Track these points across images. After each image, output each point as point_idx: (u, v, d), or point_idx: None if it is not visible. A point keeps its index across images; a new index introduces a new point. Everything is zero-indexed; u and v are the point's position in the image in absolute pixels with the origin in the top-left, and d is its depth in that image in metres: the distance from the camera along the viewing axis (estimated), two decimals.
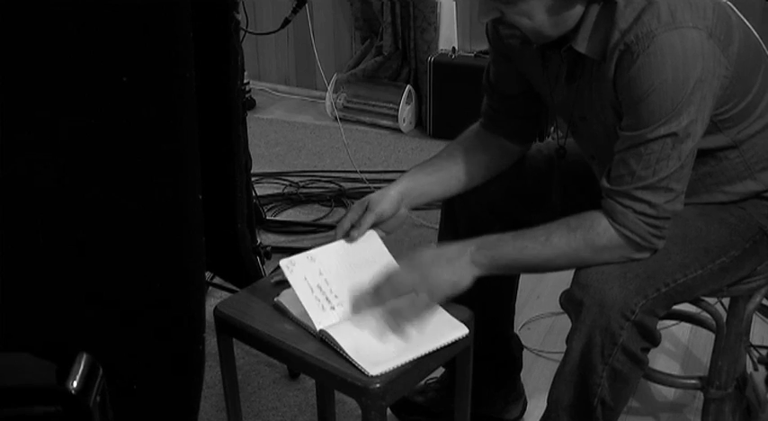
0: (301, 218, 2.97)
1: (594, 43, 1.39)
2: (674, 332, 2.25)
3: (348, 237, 1.51)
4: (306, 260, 1.46)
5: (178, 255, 1.35)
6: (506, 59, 1.60)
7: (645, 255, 1.41)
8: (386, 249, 1.52)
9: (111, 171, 1.26)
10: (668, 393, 2.04)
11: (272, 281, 1.55)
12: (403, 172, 1.66)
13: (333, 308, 1.42)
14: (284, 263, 1.44)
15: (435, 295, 1.40)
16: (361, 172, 3.17)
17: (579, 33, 1.39)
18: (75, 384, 1.03)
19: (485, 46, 1.69)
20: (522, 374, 1.97)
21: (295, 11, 2.51)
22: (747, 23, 1.46)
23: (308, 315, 1.41)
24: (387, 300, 1.40)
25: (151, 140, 1.27)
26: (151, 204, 1.30)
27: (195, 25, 1.26)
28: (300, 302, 1.42)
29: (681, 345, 2.23)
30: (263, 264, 2.28)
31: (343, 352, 1.34)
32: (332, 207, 3.02)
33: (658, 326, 1.45)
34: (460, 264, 1.42)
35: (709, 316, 1.69)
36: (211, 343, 1.56)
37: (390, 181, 1.67)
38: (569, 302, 1.43)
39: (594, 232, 1.40)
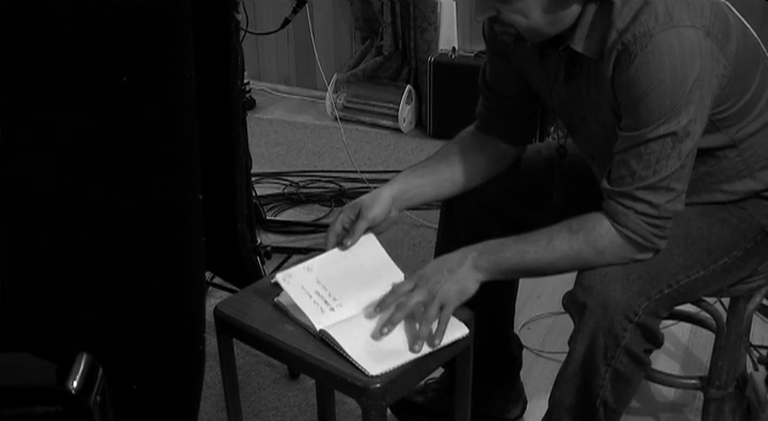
0: (301, 218, 2.97)
1: (592, 43, 1.39)
2: (674, 332, 2.25)
3: (341, 245, 1.50)
4: (303, 271, 1.45)
5: (178, 255, 1.35)
6: (504, 58, 1.60)
7: (648, 255, 1.41)
8: (385, 253, 1.52)
9: (111, 171, 1.26)
10: (668, 393, 2.04)
11: (272, 281, 1.55)
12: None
13: (332, 309, 1.42)
14: (281, 276, 1.43)
15: (446, 308, 1.39)
16: (361, 172, 3.17)
17: (576, 32, 1.39)
18: (75, 384, 1.03)
19: (485, 46, 1.68)
20: (522, 374, 1.97)
21: (295, 11, 2.51)
22: (745, 23, 1.46)
23: (307, 318, 1.40)
24: (399, 320, 1.38)
25: (151, 140, 1.27)
26: (151, 204, 1.30)
27: (195, 25, 1.26)
28: (300, 308, 1.42)
29: (681, 345, 2.23)
30: (263, 264, 2.28)
31: (343, 352, 1.34)
32: (332, 207, 3.02)
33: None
34: (463, 271, 1.42)
35: (709, 316, 1.69)
36: (211, 343, 1.56)
37: None
38: (572, 304, 1.43)
39: (596, 234, 1.40)
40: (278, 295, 1.49)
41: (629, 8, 1.34)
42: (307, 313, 1.40)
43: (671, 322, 2.20)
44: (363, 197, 1.55)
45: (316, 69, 3.73)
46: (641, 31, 1.32)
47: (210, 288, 2.31)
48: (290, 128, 3.78)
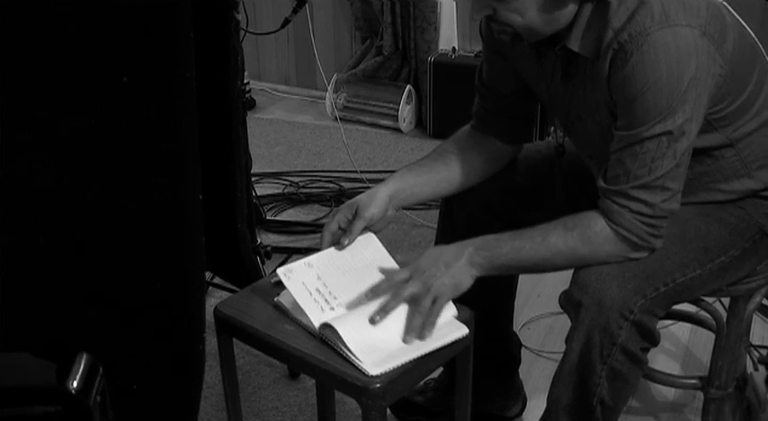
0: (301, 218, 2.97)
1: (588, 42, 1.39)
2: (674, 332, 2.25)
3: (338, 244, 1.50)
4: (303, 266, 1.46)
5: (178, 255, 1.35)
6: (501, 57, 1.60)
7: (642, 254, 1.42)
8: (385, 250, 1.52)
9: (111, 171, 1.26)
10: (668, 393, 2.04)
11: (272, 281, 1.55)
12: None
13: (332, 309, 1.42)
14: (281, 271, 1.43)
15: (439, 300, 1.40)
16: (361, 172, 3.17)
17: (572, 32, 1.39)
18: (75, 384, 1.03)
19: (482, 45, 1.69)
20: (522, 374, 1.97)
21: (295, 11, 2.51)
22: (742, 22, 1.46)
23: (307, 317, 1.40)
24: (393, 308, 1.39)
25: (151, 140, 1.27)
26: (151, 204, 1.30)
27: (195, 25, 1.26)
28: (300, 306, 1.42)
29: (681, 345, 2.23)
30: (263, 264, 2.28)
31: (344, 346, 1.33)
32: (332, 207, 3.02)
33: (658, 326, 1.45)
34: (459, 266, 1.42)
35: (709, 316, 1.69)
36: (211, 343, 1.56)
37: None
38: (568, 302, 1.43)
39: (591, 232, 1.40)
40: (278, 295, 1.49)
41: (625, 7, 1.34)
42: (307, 312, 1.40)
43: (671, 322, 2.20)
44: (360, 196, 1.55)
45: (316, 69, 3.73)
46: (637, 31, 1.32)
47: (210, 288, 2.31)
48: (290, 128, 3.78)
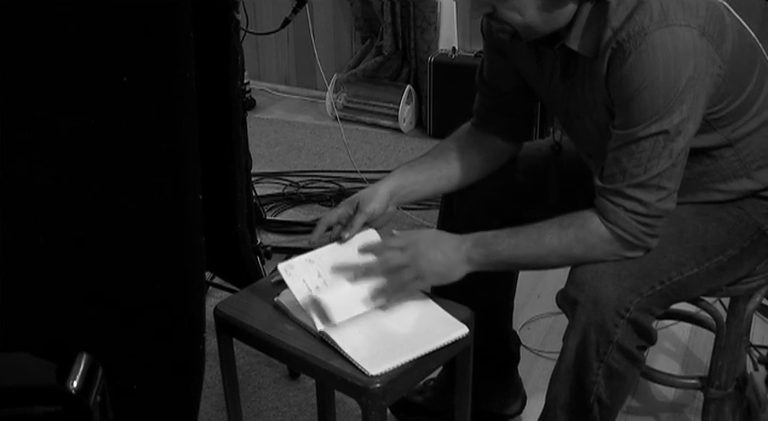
0: (301, 218, 2.97)
1: (587, 41, 1.39)
2: (674, 332, 2.25)
3: (339, 239, 1.51)
4: (304, 262, 1.46)
5: (178, 255, 1.35)
6: (501, 55, 1.61)
7: (637, 253, 1.42)
8: None
9: (112, 171, 1.26)
10: (668, 393, 2.04)
11: (272, 281, 1.55)
12: None
13: (338, 308, 1.42)
14: (282, 266, 1.44)
15: (420, 282, 1.43)
16: (361, 172, 3.17)
17: (572, 31, 1.40)
18: (75, 384, 1.03)
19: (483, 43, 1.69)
20: (522, 374, 1.97)
21: (295, 11, 2.51)
22: (742, 22, 1.46)
23: (307, 315, 1.41)
24: (375, 273, 1.43)
25: (151, 140, 1.27)
26: (151, 204, 1.30)
27: (195, 25, 1.26)
28: (300, 304, 1.42)
29: (681, 345, 2.23)
30: (263, 264, 2.28)
31: (344, 352, 1.34)
32: (332, 207, 3.01)
33: (659, 326, 1.46)
34: (455, 259, 1.43)
35: (709, 316, 1.69)
36: (211, 343, 1.56)
37: None
38: (564, 301, 1.44)
39: (586, 230, 1.41)
40: (278, 295, 1.49)
41: (624, 7, 1.34)
42: (309, 313, 1.40)
43: (671, 322, 2.20)
44: (361, 192, 1.56)
45: (316, 69, 3.73)
46: (636, 30, 1.32)
47: (210, 288, 2.31)
48: (290, 128, 3.78)
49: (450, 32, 3.63)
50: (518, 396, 1.95)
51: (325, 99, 3.86)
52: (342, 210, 1.53)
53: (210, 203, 1.47)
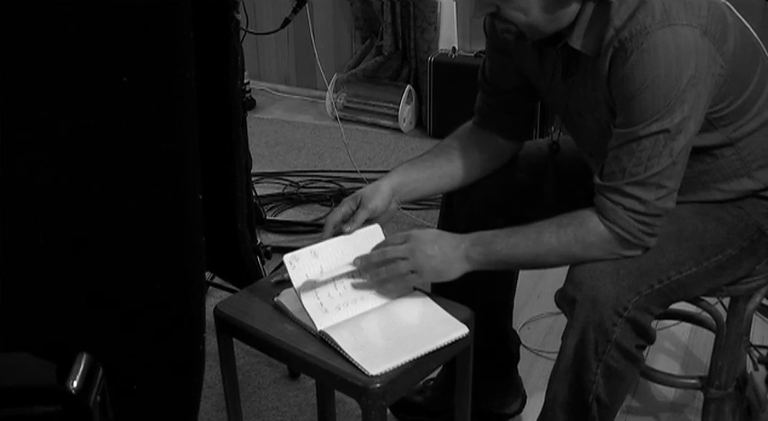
0: (301, 218, 2.97)
1: (589, 40, 1.40)
2: (675, 332, 2.25)
3: (342, 234, 1.51)
4: (309, 255, 1.46)
5: (178, 255, 1.35)
6: (504, 54, 1.61)
7: (635, 252, 1.42)
8: None
9: (112, 171, 1.26)
10: (668, 393, 2.04)
11: (272, 281, 1.55)
12: None
13: (338, 308, 1.42)
14: (288, 257, 1.44)
15: (416, 278, 1.43)
16: (361, 172, 3.17)
17: (575, 30, 1.40)
18: (75, 384, 1.03)
19: (484, 46, 1.69)
20: (522, 374, 1.97)
21: (295, 11, 2.51)
22: (744, 22, 1.46)
23: (307, 315, 1.41)
24: (373, 264, 1.44)
25: (151, 140, 1.27)
26: (151, 204, 1.30)
27: (195, 25, 1.26)
28: (301, 302, 1.42)
29: (681, 345, 2.23)
30: (263, 263, 2.28)
31: (344, 352, 1.34)
32: (332, 207, 3.02)
33: (659, 326, 1.46)
34: (453, 256, 1.44)
35: (709, 316, 1.69)
36: (211, 343, 1.56)
37: None
38: (563, 300, 1.44)
39: (585, 229, 1.41)
40: (278, 295, 1.49)
41: (626, 6, 1.35)
42: (308, 311, 1.40)
43: (671, 322, 2.20)
44: (364, 189, 1.56)
45: (316, 69, 3.73)
46: (638, 29, 1.32)
47: (210, 288, 2.31)
48: (290, 128, 3.78)
49: (450, 32, 3.63)
50: (518, 395, 1.95)
51: (325, 99, 3.86)
52: (345, 207, 1.53)
53: (210, 203, 1.47)
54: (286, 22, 2.57)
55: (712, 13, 1.36)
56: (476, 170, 1.66)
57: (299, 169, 3.33)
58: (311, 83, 4.10)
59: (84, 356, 1.08)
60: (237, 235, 1.96)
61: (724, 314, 1.67)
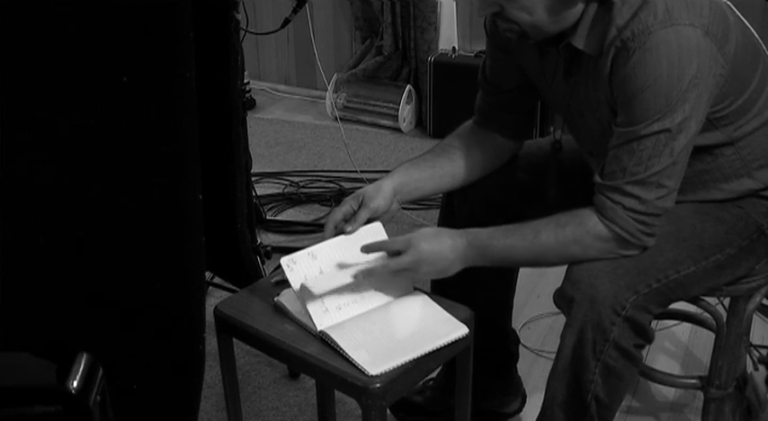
0: (301, 218, 2.97)
1: (592, 40, 1.40)
2: (675, 332, 2.25)
3: (343, 233, 1.51)
4: (307, 257, 1.46)
5: (178, 255, 1.35)
6: (505, 53, 1.61)
7: (634, 251, 1.42)
8: None
9: (112, 171, 1.26)
10: (668, 393, 2.04)
11: (272, 281, 1.55)
12: None
13: (339, 308, 1.42)
14: (285, 260, 1.44)
15: (414, 272, 1.44)
16: (362, 172, 3.17)
17: (578, 30, 1.40)
18: (75, 384, 1.03)
19: (485, 45, 1.69)
20: (522, 373, 1.97)
21: (295, 11, 2.51)
22: (745, 22, 1.46)
23: (307, 315, 1.41)
24: (376, 274, 1.44)
25: (151, 140, 1.27)
26: (151, 204, 1.30)
27: (195, 25, 1.26)
28: (300, 302, 1.42)
29: (681, 345, 2.23)
30: (263, 263, 2.28)
31: (344, 352, 1.34)
32: (332, 207, 3.02)
33: (659, 326, 1.46)
34: (451, 257, 1.45)
35: (709, 316, 1.69)
36: (211, 343, 1.56)
37: None
38: (561, 299, 1.44)
39: (583, 229, 1.41)
40: (278, 295, 1.49)
41: (629, 6, 1.35)
42: (310, 311, 1.40)
43: (671, 322, 2.20)
44: (366, 188, 1.56)
45: (316, 69, 3.73)
46: (640, 29, 1.33)
47: (210, 288, 2.31)
48: (290, 128, 3.78)
49: (450, 32, 3.63)
50: (518, 394, 1.95)
51: (325, 99, 3.86)
52: (346, 206, 1.53)
53: (210, 203, 1.47)
54: (286, 22, 2.57)
55: (714, 13, 1.36)
56: (477, 169, 1.67)
57: (299, 169, 3.33)
58: (311, 83, 4.10)
59: (84, 356, 1.08)
60: (237, 235, 1.96)
61: (724, 314, 1.67)
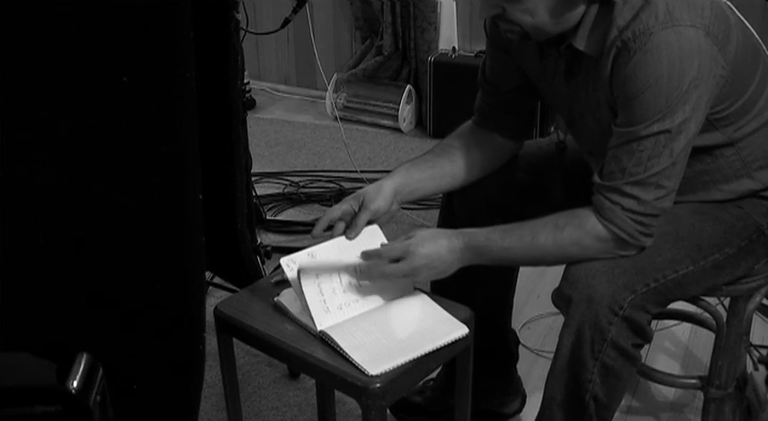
0: (301, 217, 2.97)
1: (593, 41, 1.40)
2: (675, 332, 2.25)
3: (344, 236, 1.51)
4: (307, 257, 1.46)
5: (178, 255, 1.35)
6: (505, 53, 1.61)
7: (631, 252, 1.42)
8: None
9: (112, 171, 1.26)
10: (668, 393, 2.04)
11: (272, 281, 1.55)
12: None
13: (340, 307, 1.42)
14: (284, 260, 1.44)
15: (413, 276, 1.44)
16: (362, 172, 3.17)
17: (579, 31, 1.40)
18: (75, 384, 1.04)
19: (484, 46, 1.69)
20: (522, 374, 1.97)
21: (295, 11, 2.51)
22: (746, 22, 1.46)
23: (307, 314, 1.41)
24: (371, 260, 1.45)
25: (151, 140, 1.27)
26: (151, 204, 1.30)
27: (195, 25, 1.26)
28: (300, 302, 1.42)
29: (681, 345, 2.23)
30: (263, 263, 2.28)
31: (344, 352, 1.34)
32: (332, 206, 3.01)
33: (659, 326, 1.46)
34: (449, 260, 1.45)
35: (709, 316, 1.69)
36: (211, 343, 1.56)
37: None
38: (559, 298, 1.45)
39: (582, 230, 1.41)
40: (278, 295, 1.49)
41: (630, 6, 1.35)
42: (312, 311, 1.40)
43: (672, 322, 2.20)
44: (366, 188, 1.56)
45: (316, 69, 3.73)
46: (641, 29, 1.33)
47: (210, 288, 2.31)
48: (290, 128, 3.78)
49: (450, 32, 3.63)
50: (518, 394, 1.95)
51: (325, 99, 3.86)
52: (346, 205, 1.54)
53: (210, 203, 1.47)
54: (286, 21, 2.57)
55: (715, 13, 1.36)
56: (477, 170, 1.67)
57: (299, 169, 3.33)
58: (311, 83, 4.10)
59: (84, 356, 1.08)
60: (237, 235, 1.96)
61: (724, 314, 1.67)
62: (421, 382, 1.90)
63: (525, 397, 1.97)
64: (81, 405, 1.03)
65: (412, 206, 2.88)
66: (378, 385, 1.30)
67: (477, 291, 1.57)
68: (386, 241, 1.52)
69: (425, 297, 1.48)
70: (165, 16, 1.22)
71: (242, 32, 2.09)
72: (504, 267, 1.73)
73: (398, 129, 3.68)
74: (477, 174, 1.67)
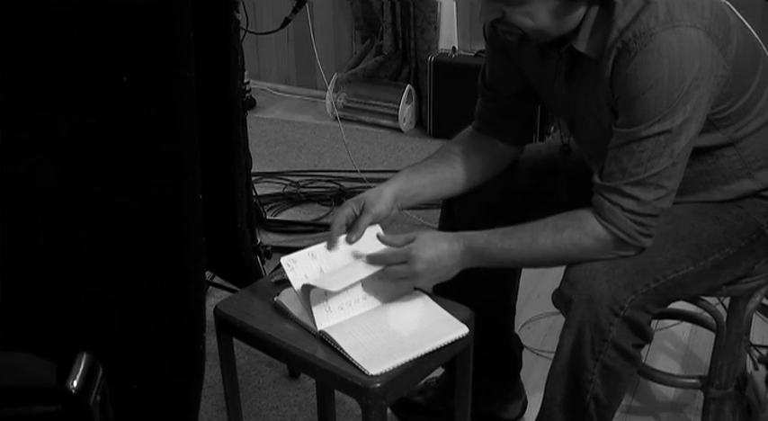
0: (301, 217, 2.97)
1: (594, 43, 1.40)
2: (675, 332, 2.25)
3: (346, 239, 1.51)
4: (307, 257, 1.46)
5: (178, 255, 1.35)
6: (504, 56, 1.61)
7: (631, 252, 1.42)
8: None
9: (112, 171, 1.26)
10: (668, 393, 2.04)
11: (272, 280, 1.55)
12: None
13: (341, 307, 1.42)
14: (285, 260, 1.44)
15: (414, 280, 1.45)
16: (362, 171, 3.17)
17: (579, 33, 1.40)
18: (75, 384, 1.04)
19: (485, 45, 1.69)
20: (522, 374, 1.97)
21: (295, 10, 2.51)
22: (746, 23, 1.46)
23: (308, 314, 1.41)
24: (376, 265, 1.45)
25: (151, 140, 1.27)
26: (151, 204, 1.30)
27: (195, 25, 1.26)
28: (300, 301, 1.42)
29: (681, 345, 2.23)
30: (263, 263, 2.28)
31: (344, 352, 1.34)
32: (332, 206, 3.02)
33: (659, 326, 1.46)
34: (450, 266, 1.45)
35: (709, 315, 1.69)
36: (211, 343, 1.56)
37: None
38: (559, 299, 1.45)
39: (582, 232, 1.41)
40: (278, 295, 1.49)
41: (630, 7, 1.35)
42: (314, 310, 1.40)
43: (671, 322, 2.20)
44: (367, 193, 1.56)
45: (316, 69, 3.73)
46: (641, 30, 1.33)
47: (210, 288, 2.31)
48: (290, 127, 3.78)
49: (450, 32, 3.63)
50: (519, 399, 1.95)
51: (325, 99, 3.86)
52: (348, 209, 1.53)
53: (210, 203, 1.47)
54: (286, 21, 2.57)
55: (715, 14, 1.36)
56: (477, 175, 1.67)
57: (298, 169, 3.33)
58: (311, 83, 4.10)
59: (84, 356, 1.08)
60: (237, 235, 1.96)
61: (724, 314, 1.67)
62: (423, 382, 1.91)
63: (526, 403, 1.97)
64: (81, 405, 1.03)
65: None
66: (378, 385, 1.30)
67: (477, 292, 1.57)
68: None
69: (426, 297, 1.49)
70: (165, 16, 1.22)
71: (242, 32, 2.09)
72: (506, 270, 1.73)
73: (398, 129, 3.68)
74: (477, 179, 1.67)
